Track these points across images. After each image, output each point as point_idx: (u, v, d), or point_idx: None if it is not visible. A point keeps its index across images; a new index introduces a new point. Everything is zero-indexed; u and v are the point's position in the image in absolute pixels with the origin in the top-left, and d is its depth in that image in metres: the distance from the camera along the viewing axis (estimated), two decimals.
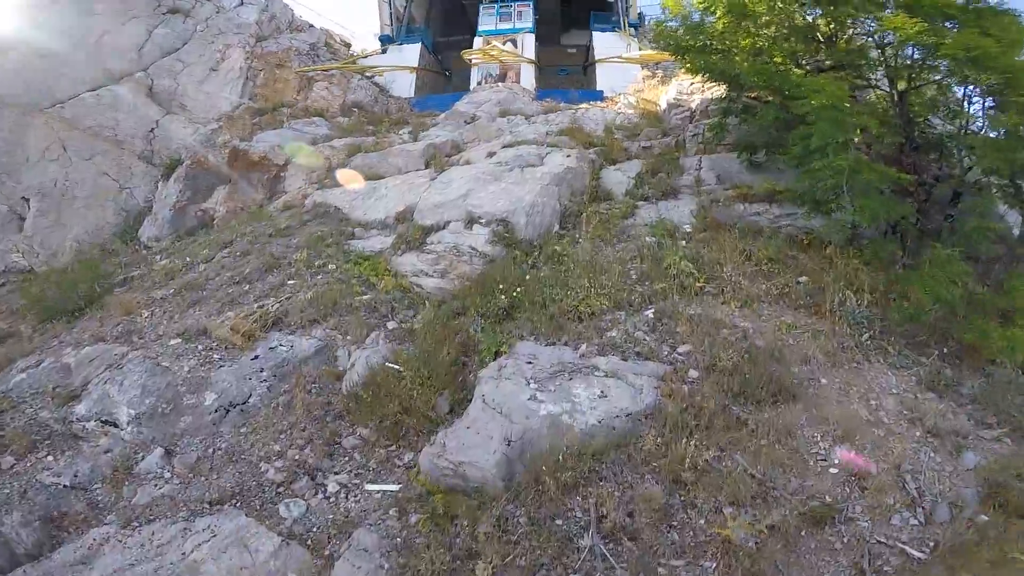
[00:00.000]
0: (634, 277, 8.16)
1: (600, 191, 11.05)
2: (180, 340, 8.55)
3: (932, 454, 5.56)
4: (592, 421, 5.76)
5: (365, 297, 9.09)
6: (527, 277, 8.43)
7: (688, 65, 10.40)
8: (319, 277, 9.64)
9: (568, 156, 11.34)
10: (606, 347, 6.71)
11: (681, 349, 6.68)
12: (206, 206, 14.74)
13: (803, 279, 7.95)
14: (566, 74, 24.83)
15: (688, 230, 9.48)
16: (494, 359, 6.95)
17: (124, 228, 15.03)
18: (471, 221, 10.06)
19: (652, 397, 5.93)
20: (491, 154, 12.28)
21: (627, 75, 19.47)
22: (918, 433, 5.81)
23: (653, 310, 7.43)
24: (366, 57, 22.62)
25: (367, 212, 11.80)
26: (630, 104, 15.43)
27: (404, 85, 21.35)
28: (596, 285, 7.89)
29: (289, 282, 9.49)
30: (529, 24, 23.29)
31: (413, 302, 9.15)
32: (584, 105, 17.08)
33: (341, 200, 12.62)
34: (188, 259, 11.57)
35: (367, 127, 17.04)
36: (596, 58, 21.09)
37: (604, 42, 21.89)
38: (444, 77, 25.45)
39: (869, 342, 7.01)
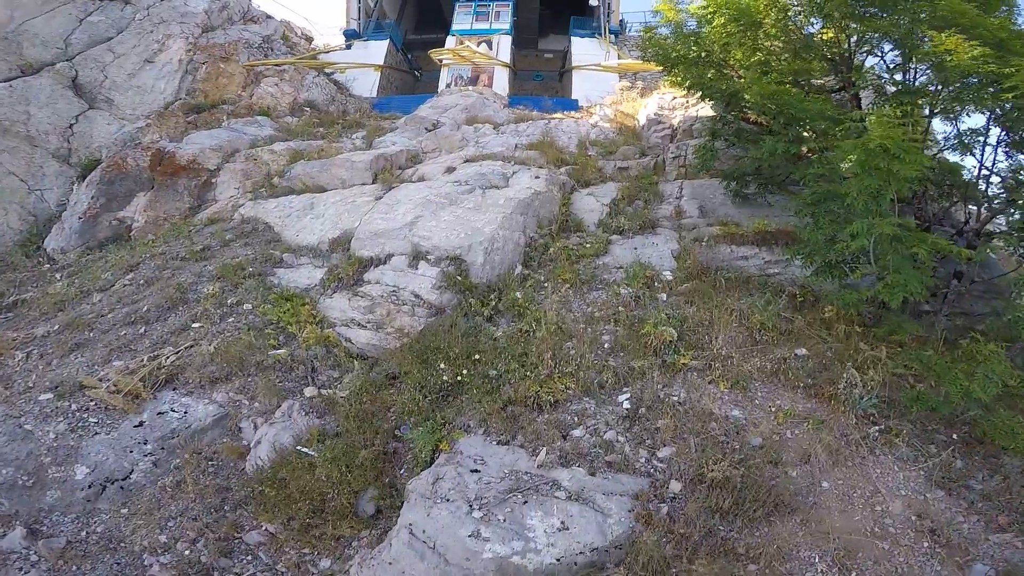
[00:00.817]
0: (607, 347, 6.64)
1: (571, 220, 9.54)
2: (52, 396, 6.99)
3: (939, 568, 4.87)
4: (549, 560, 4.28)
5: (280, 352, 7.50)
6: (479, 340, 6.92)
7: (678, 79, 8.99)
8: (230, 320, 8.10)
9: (537, 178, 9.77)
10: (571, 455, 5.22)
11: (662, 453, 5.20)
12: (123, 215, 12.71)
13: (802, 351, 6.58)
14: (541, 80, 23.31)
15: (669, 278, 8.02)
16: (432, 457, 5.41)
17: (29, 236, 12.79)
18: (417, 256, 8.38)
19: (624, 526, 4.48)
20: (450, 169, 10.64)
21: (604, 84, 18.03)
22: (926, 544, 4.98)
23: (629, 396, 5.94)
24: (328, 52, 20.69)
25: (300, 233, 10.03)
26: (606, 117, 13.99)
27: (367, 84, 19.49)
28: (561, 360, 6.36)
29: (194, 325, 7.94)
30: (507, 25, 21.69)
31: (339, 361, 7.56)
32: (558, 115, 15.58)
33: (274, 215, 10.84)
34: (87, 283, 9.64)
35: (317, 129, 15.18)
36: (573, 64, 19.63)
37: (583, 48, 20.44)
38: (413, 77, 23.66)
39: (877, 434, 5.72)
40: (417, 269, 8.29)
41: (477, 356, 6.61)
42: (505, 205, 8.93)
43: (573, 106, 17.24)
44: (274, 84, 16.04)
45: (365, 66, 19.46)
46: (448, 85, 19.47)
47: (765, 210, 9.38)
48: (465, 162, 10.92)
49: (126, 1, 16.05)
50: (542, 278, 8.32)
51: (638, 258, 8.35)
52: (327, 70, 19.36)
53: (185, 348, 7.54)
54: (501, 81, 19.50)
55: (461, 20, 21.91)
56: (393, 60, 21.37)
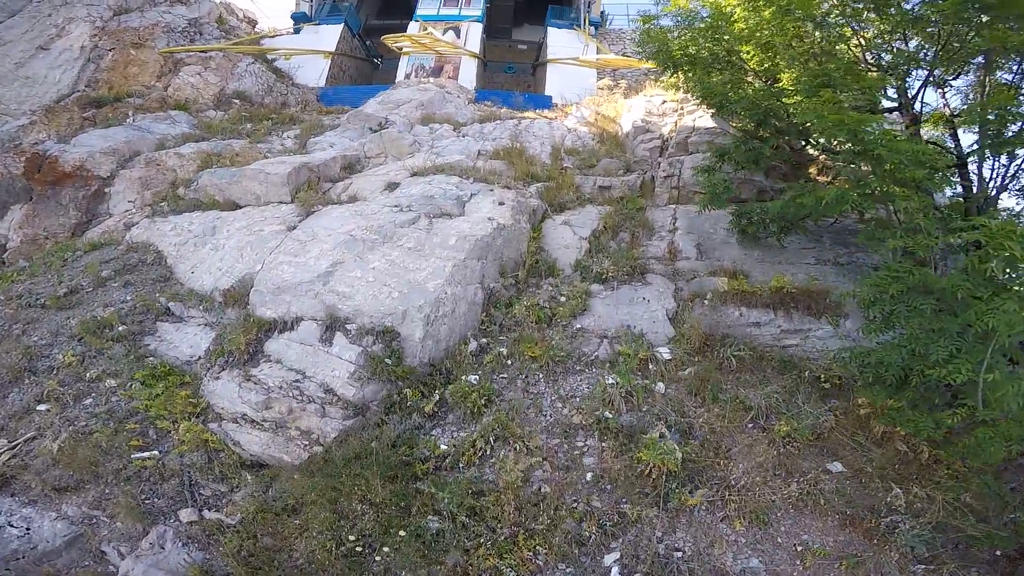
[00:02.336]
0: (589, 478, 4.55)
1: (542, 260, 7.23)
2: None
3: None
4: None
5: (147, 456, 5.43)
6: (416, 454, 4.89)
7: (687, 85, 6.75)
8: (86, 402, 6.02)
9: (501, 204, 7.37)
10: None
11: None
12: None
13: (836, 467, 4.76)
14: (513, 72, 20.76)
15: (667, 356, 5.93)
16: None
17: None
18: (333, 325, 5.95)
19: None
20: (391, 186, 8.18)
21: (582, 80, 15.65)
22: None
23: (618, 556, 3.90)
24: (273, 37, 17.76)
25: (195, 270, 7.51)
26: (584, 120, 11.64)
27: (314, 73, 16.69)
28: (528, 507, 4.25)
29: (39, 407, 5.95)
30: (478, 12, 19.06)
31: (226, 471, 5.37)
32: (529, 114, 13.16)
33: (169, 240, 8.27)
34: None
35: (244, 126, 12.46)
36: (549, 57, 17.17)
37: (559, 40, 17.96)
38: (372, 66, 20.86)
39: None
40: (331, 345, 5.81)
41: (412, 495, 4.43)
42: (458, 247, 6.50)
43: (546, 103, 14.85)
44: (196, 73, 13.18)
45: (313, 52, 16.65)
46: (407, 75, 16.81)
47: (777, 252, 7.24)
48: (412, 175, 8.48)
49: None
50: (504, 351, 6.02)
51: (626, 322, 6.17)
52: (270, 56, 16.51)
53: (25, 441, 5.63)
54: (468, 73, 16.93)
55: (427, 5, 19.19)
56: (348, 47, 18.55)
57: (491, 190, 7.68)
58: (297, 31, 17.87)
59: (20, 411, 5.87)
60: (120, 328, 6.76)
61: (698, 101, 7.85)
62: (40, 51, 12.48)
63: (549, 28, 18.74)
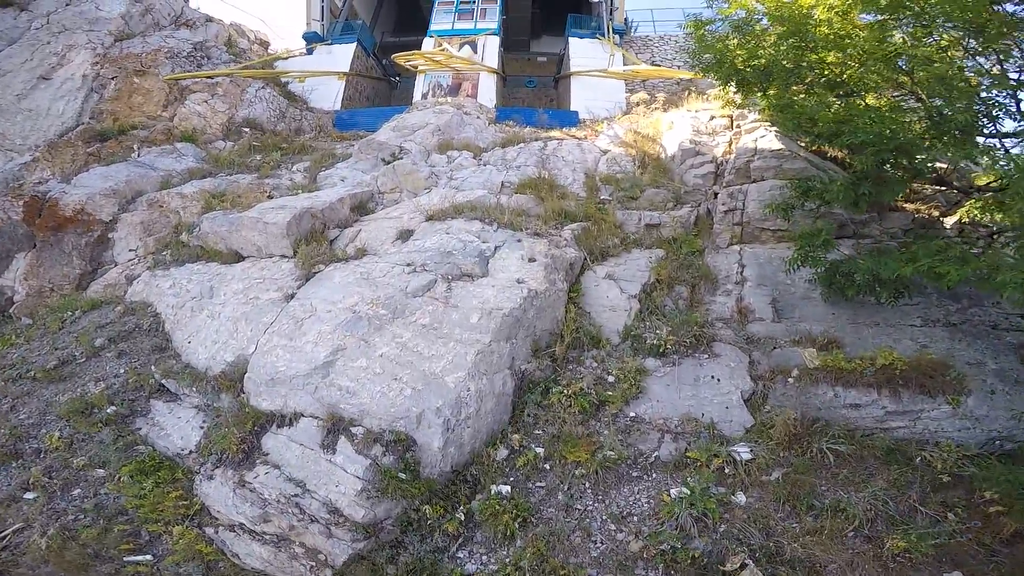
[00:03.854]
0: None
1: (583, 329, 5.78)
2: None
3: None
4: None
5: (139, 560, 4.64)
6: None
7: (760, 104, 5.26)
8: (75, 491, 5.28)
9: (531, 260, 5.95)
10: None
11: None
12: (1, 283, 9.07)
13: None
14: (534, 86, 19.30)
15: (747, 456, 4.54)
16: None
17: None
18: (336, 428, 4.68)
19: None
20: (404, 235, 6.84)
21: (609, 93, 14.11)
22: None
23: None
24: (286, 59, 16.68)
25: (191, 339, 6.33)
26: (619, 139, 10.14)
27: (329, 95, 15.53)
28: None
29: (27, 495, 5.25)
30: (494, 25, 17.64)
31: None
32: (556, 134, 11.72)
33: (168, 300, 7.18)
34: None
35: (254, 157, 11.32)
36: (572, 70, 15.69)
37: (582, 50, 16.42)
38: (388, 85, 19.67)
39: None
40: (335, 452, 4.55)
41: None
42: (481, 326, 5.13)
43: (573, 120, 13.37)
44: (203, 101, 12.11)
45: (326, 74, 15.49)
46: (424, 95, 15.51)
47: (872, 310, 5.70)
48: (428, 219, 7.13)
49: (21, 8, 12.08)
50: (541, 452, 4.67)
51: (692, 409, 4.85)
52: (284, 79, 15.42)
53: (12, 532, 5.00)
54: (487, 89, 15.55)
55: (441, 19, 17.85)
56: (362, 66, 17.37)
57: (518, 240, 6.28)
58: (310, 52, 16.74)
59: (7, 498, 5.22)
60: (109, 410, 5.85)
61: (767, 122, 6.32)
62: (41, 81, 11.53)
63: (570, 38, 17.23)
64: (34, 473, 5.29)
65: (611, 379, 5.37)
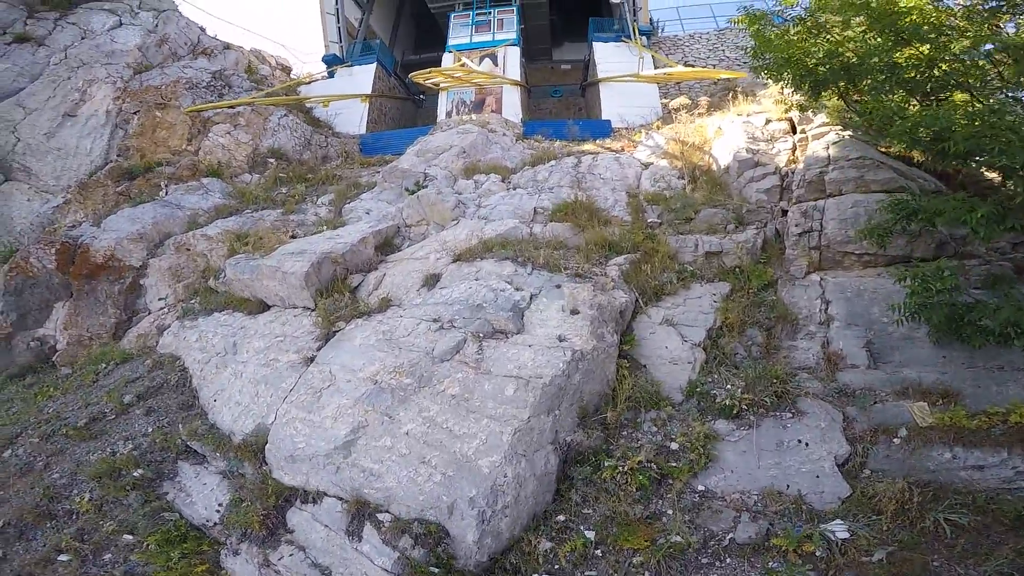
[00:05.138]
0: None
1: (638, 386, 4.78)
2: None
3: None
4: None
5: None
6: None
7: (838, 115, 4.22)
8: (105, 556, 4.99)
9: (574, 313, 4.97)
10: None
11: None
12: (43, 333, 8.91)
13: None
14: (560, 96, 18.28)
15: (843, 535, 3.60)
16: None
17: None
18: (362, 512, 3.96)
19: None
20: (429, 282, 5.98)
21: (643, 99, 12.98)
22: None
23: None
24: (308, 83, 16.23)
25: (217, 397, 5.80)
26: (661, 150, 9.03)
27: (353, 119, 14.96)
28: None
29: (60, 557, 5.01)
30: (512, 35, 16.73)
31: None
32: (589, 147, 10.70)
33: (195, 355, 6.70)
34: None
35: (280, 190, 10.77)
36: (599, 76, 14.63)
37: (608, 55, 15.31)
38: (414, 104, 19.02)
39: None
40: (361, 541, 3.85)
41: None
42: (518, 399, 4.26)
43: (605, 130, 12.31)
44: (226, 132, 11.65)
45: (346, 97, 14.91)
46: (448, 113, 14.74)
47: (992, 354, 4.48)
48: (455, 260, 6.27)
49: (39, 43, 11.88)
50: (591, 536, 3.80)
51: (775, 480, 3.93)
52: (308, 104, 14.94)
53: None
54: (512, 103, 14.64)
55: (458, 33, 17.06)
56: (384, 86, 16.75)
57: (557, 287, 5.30)
58: (331, 75, 16.22)
59: (43, 559, 5.07)
60: (136, 473, 5.52)
61: (838, 125, 5.19)
62: (67, 119, 11.27)
63: (594, 43, 16.12)
64: (66, 536, 5.15)
65: (674, 447, 4.42)
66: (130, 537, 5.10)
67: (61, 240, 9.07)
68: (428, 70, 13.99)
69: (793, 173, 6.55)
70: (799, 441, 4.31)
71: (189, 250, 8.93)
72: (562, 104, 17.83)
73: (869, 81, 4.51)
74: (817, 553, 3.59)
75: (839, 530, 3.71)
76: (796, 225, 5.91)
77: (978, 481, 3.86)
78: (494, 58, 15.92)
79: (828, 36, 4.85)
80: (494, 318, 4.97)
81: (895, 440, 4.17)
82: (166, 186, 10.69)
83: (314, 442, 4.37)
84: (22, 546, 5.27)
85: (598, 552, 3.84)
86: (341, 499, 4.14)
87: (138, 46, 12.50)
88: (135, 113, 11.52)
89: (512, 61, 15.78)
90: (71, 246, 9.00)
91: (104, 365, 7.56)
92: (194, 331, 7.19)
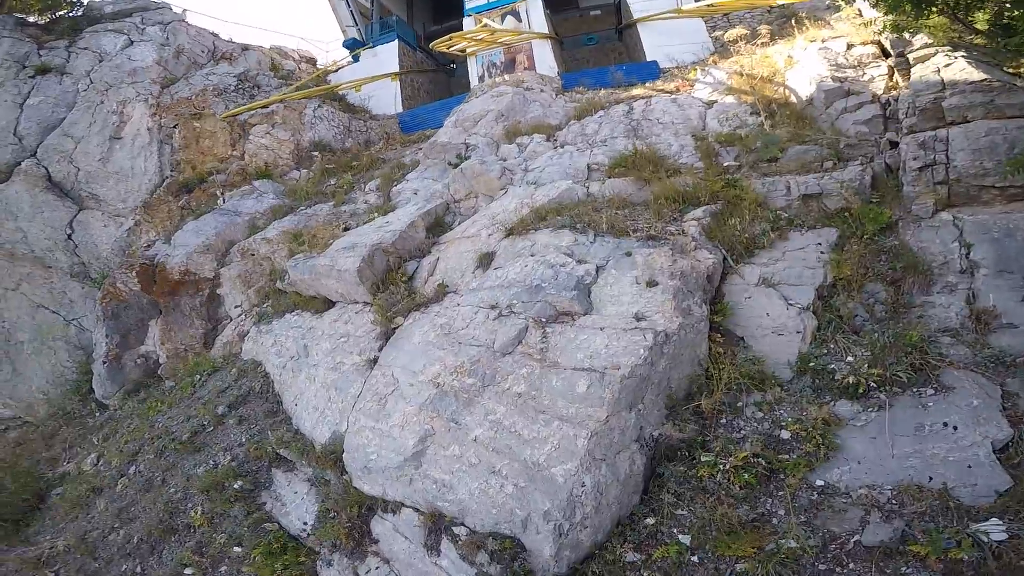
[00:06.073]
0: None
1: (736, 364, 4.07)
2: None
3: None
4: None
5: None
6: None
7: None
8: (222, 570, 5.22)
9: (652, 285, 4.26)
10: None
11: None
12: (145, 350, 9.31)
13: None
14: (595, 43, 16.72)
15: (1000, 537, 2.80)
16: None
17: (81, 375, 9.80)
18: (438, 525, 3.68)
19: None
20: (483, 262, 5.46)
21: (690, 35, 11.43)
22: None
23: None
24: (336, 71, 15.75)
25: (297, 401, 5.77)
26: (724, 86, 7.83)
27: (387, 99, 14.38)
28: None
29: (186, 572, 5.26)
30: None
31: None
32: (639, 91, 9.57)
33: (273, 361, 6.69)
34: (115, 456, 7.08)
35: (328, 182, 10.53)
36: (636, 16, 13.08)
37: None
38: (446, 74, 18.13)
39: None
40: (439, 555, 3.59)
41: None
42: (592, 395, 3.69)
43: (653, 72, 11.01)
44: (265, 133, 11.46)
45: (377, 78, 14.31)
46: (481, 78, 13.82)
47: None
48: (507, 235, 5.67)
49: (61, 72, 11.96)
50: (687, 542, 3.29)
51: (914, 471, 3.26)
52: (341, 92, 14.52)
53: None
54: (545, 57, 13.49)
55: None
56: (411, 62, 15.97)
57: (627, 254, 4.57)
58: (355, 59, 15.59)
59: (172, 573, 5.34)
60: (236, 485, 5.68)
61: (947, 46, 4.08)
62: (115, 142, 11.39)
63: None
64: (188, 550, 5.38)
65: (785, 436, 3.72)
66: (239, 549, 5.25)
67: (140, 262, 9.28)
68: (448, 37, 13.06)
69: (896, 101, 5.37)
70: (945, 424, 3.51)
71: (253, 255, 8.90)
72: (598, 51, 16.33)
73: None
74: (964, 557, 2.87)
75: (995, 531, 2.97)
76: (914, 158, 4.82)
77: None
78: (516, 14, 14.64)
79: None
80: (556, 299, 4.38)
81: None
82: (222, 194, 10.69)
83: (385, 453, 4.11)
84: (154, 560, 5.60)
85: (694, 559, 3.31)
86: (418, 511, 3.86)
87: (157, 61, 12.37)
88: (175, 127, 11.52)
89: (536, 14, 14.45)
90: (149, 266, 9.19)
91: (199, 376, 7.79)
92: (269, 335, 7.17)
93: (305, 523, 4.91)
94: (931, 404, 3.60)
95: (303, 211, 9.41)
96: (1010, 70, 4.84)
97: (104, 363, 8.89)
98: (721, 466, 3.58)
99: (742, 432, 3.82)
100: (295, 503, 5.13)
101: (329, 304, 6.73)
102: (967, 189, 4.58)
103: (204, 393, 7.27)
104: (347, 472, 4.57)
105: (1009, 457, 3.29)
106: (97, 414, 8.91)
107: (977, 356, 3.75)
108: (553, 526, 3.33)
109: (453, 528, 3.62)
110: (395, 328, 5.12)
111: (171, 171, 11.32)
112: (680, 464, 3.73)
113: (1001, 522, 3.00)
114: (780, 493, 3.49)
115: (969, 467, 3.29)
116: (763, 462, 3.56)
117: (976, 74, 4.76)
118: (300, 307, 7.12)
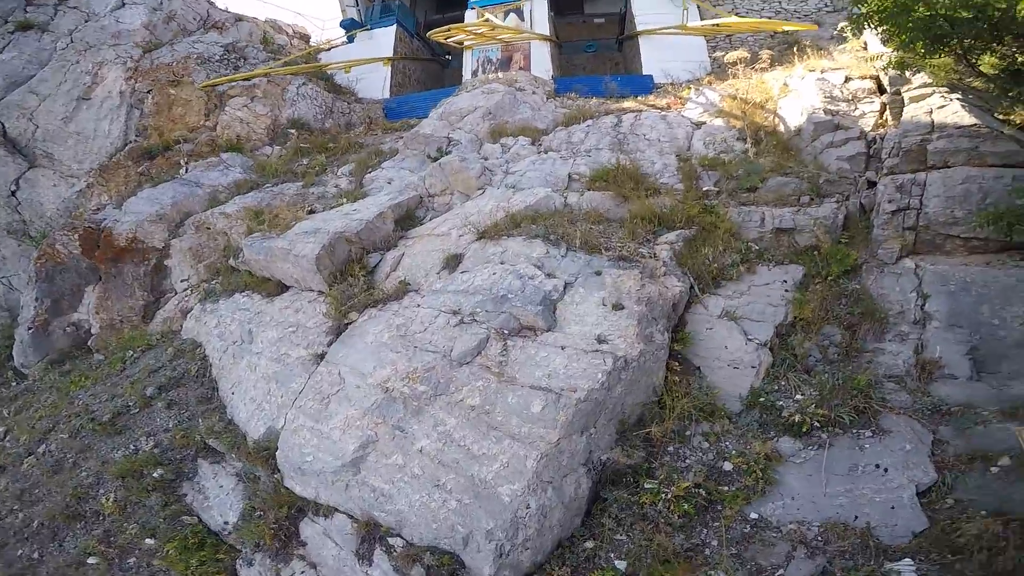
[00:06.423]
0: None
1: (692, 391, 4.06)
2: None
3: None
4: None
5: None
6: None
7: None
8: (130, 561, 4.92)
9: (618, 308, 4.17)
10: None
11: None
12: (77, 318, 8.85)
13: None
14: (594, 50, 16.67)
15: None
16: None
17: (4, 338, 9.32)
18: (372, 535, 3.55)
19: None
20: (450, 263, 5.26)
21: (689, 52, 11.46)
22: None
23: None
24: (328, 50, 15.32)
25: (234, 389, 5.49)
26: (715, 107, 7.78)
27: (376, 83, 14.02)
28: None
29: (89, 560, 4.98)
30: None
31: None
32: (630, 104, 9.49)
33: (214, 343, 6.40)
34: (26, 432, 6.68)
35: (300, 161, 10.16)
36: (638, 28, 13.04)
37: (647, 6, 13.47)
38: (440, 65, 17.84)
39: None
40: (371, 565, 3.50)
41: None
42: (546, 417, 3.60)
43: (646, 85, 10.96)
44: (243, 106, 11.01)
45: (368, 61, 13.94)
46: (474, 72, 13.59)
47: None
48: (479, 238, 5.49)
49: (42, 29, 11.40)
50: (623, 568, 3.28)
51: (843, 511, 3.37)
52: (330, 71, 14.10)
53: None
54: (542, 59, 13.33)
55: None
56: (407, 49, 15.64)
57: (597, 273, 4.48)
58: (350, 40, 15.21)
59: (74, 561, 5.07)
60: (156, 474, 5.37)
61: (944, 87, 4.11)
62: (82, 102, 10.88)
63: None
64: (94, 539, 5.10)
65: (728, 467, 3.77)
66: (152, 541, 4.97)
67: (84, 225, 8.79)
68: (447, 27, 12.81)
69: (882, 139, 5.39)
70: (877, 466, 3.58)
71: (209, 229, 8.50)
72: (596, 59, 16.28)
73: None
74: None
75: (906, 570, 3.08)
76: (889, 201, 4.82)
77: None
78: (520, 12, 14.48)
79: None
80: (521, 312, 4.24)
81: (992, 469, 3.39)
82: (186, 164, 10.23)
83: (322, 456, 3.92)
84: (55, 547, 5.26)
85: None
86: (352, 517, 3.69)
87: (144, 24, 11.88)
88: (148, 92, 11.01)
89: (540, 15, 14.32)
90: (94, 230, 8.70)
91: (131, 352, 7.37)
92: (214, 315, 6.84)
93: (228, 519, 4.68)
94: (868, 446, 3.68)
95: (269, 188, 9.05)
96: (1000, 116, 4.87)
97: (29, 329, 8.44)
98: (663, 495, 3.57)
99: (687, 461, 3.83)
100: (219, 497, 4.89)
101: (282, 288, 6.45)
102: (933, 237, 4.60)
103: (134, 371, 6.90)
104: (279, 471, 4.37)
105: (931, 501, 3.41)
106: (13, 384, 8.33)
107: (916, 403, 3.84)
108: (495, 546, 3.24)
109: (389, 539, 3.51)
110: (348, 324, 4.90)
111: (136, 136, 10.79)
112: (624, 490, 3.71)
113: (913, 562, 3.11)
114: (716, 524, 3.52)
115: (892, 508, 3.39)
116: (703, 493, 3.59)
117: (967, 118, 4.80)
118: (251, 288, 6.81)
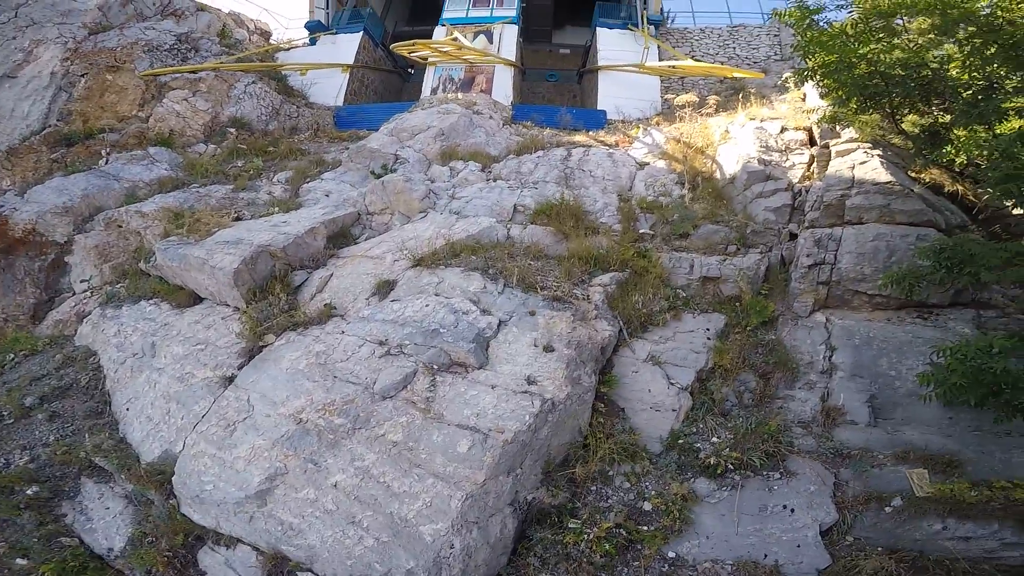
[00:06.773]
0: None
1: (615, 434, 4.10)
2: None
3: None
4: None
5: None
6: None
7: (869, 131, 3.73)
8: None
9: (549, 350, 4.17)
10: None
11: None
12: None
13: None
14: (556, 80, 17.13)
15: None
16: None
17: None
18: (280, 570, 3.36)
19: None
20: (381, 290, 5.08)
21: (643, 91, 11.99)
22: None
23: None
24: (287, 50, 14.89)
25: (130, 405, 5.01)
26: (660, 149, 8.09)
27: (331, 89, 13.71)
28: None
29: None
30: (512, 12, 15.46)
31: None
32: (581, 138, 9.73)
33: (111, 353, 5.79)
34: None
35: (235, 163, 9.65)
36: (600, 64, 13.53)
37: (611, 42, 14.18)
38: (400, 78, 17.72)
39: None
40: None
41: None
42: (473, 457, 3.52)
43: (599, 120, 11.31)
44: (183, 99, 10.41)
45: (328, 66, 13.64)
46: (434, 90, 13.57)
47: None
48: (415, 266, 5.34)
49: None
50: None
51: (753, 550, 3.52)
52: (285, 72, 13.64)
53: None
54: (503, 84, 13.51)
55: (455, 6, 15.75)
56: (369, 58, 15.46)
57: (531, 314, 4.47)
58: (313, 42, 14.89)
59: None
60: (30, 491, 4.76)
61: (868, 143, 4.43)
62: (6, 80, 10.00)
63: (598, 29, 14.96)
64: None
65: (648, 507, 3.84)
66: (24, 562, 4.43)
67: None
68: (412, 41, 12.77)
69: (807, 192, 5.71)
70: (784, 506, 3.76)
71: (121, 227, 7.86)
72: (557, 89, 16.72)
73: (961, 103, 3.62)
74: None
75: None
76: (807, 255, 5.09)
77: (961, 551, 3.39)
78: (489, 35, 14.70)
79: (906, 41, 3.96)
80: (453, 348, 4.11)
81: (887, 509, 3.65)
82: (107, 154, 9.50)
83: (223, 485, 3.64)
84: None
85: None
86: (257, 549, 3.44)
87: (99, 5, 11.18)
88: (83, 76, 10.24)
89: (508, 40, 14.58)
90: None
91: (12, 356, 6.59)
92: (114, 322, 6.25)
93: (115, 543, 4.24)
94: (776, 487, 3.84)
95: (195, 189, 8.52)
96: (912, 174, 5.23)
97: None
98: (586, 534, 3.60)
99: (609, 501, 3.87)
100: (104, 520, 4.44)
101: (195, 300, 6.02)
102: (843, 292, 4.87)
103: (13, 377, 6.20)
104: (175, 496, 4.01)
105: (832, 540, 3.59)
106: None
107: (820, 447, 4.04)
108: None
109: (299, 573, 3.30)
110: (263, 346, 4.60)
111: (58, 120, 9.92)
112: (549, 529, 3.71)
113: None
114: (636, 564, 3.58)
115: (798, 546, 3.54)
116: (624, 532, 3.64)
117: (884, 175, 5.14)
118: (161, 296, 6.32)
